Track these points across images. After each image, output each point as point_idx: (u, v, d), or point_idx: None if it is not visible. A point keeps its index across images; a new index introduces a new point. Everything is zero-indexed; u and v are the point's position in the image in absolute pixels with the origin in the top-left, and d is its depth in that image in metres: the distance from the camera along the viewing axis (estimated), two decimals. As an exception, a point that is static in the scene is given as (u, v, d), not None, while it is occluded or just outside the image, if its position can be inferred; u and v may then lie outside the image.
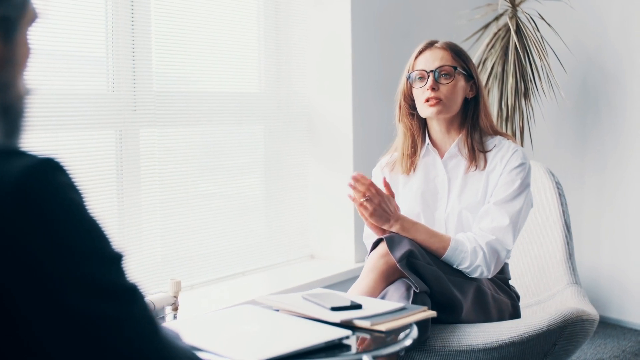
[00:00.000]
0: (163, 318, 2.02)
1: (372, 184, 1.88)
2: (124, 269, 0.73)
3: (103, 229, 0.72)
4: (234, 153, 2.88)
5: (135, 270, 2.45)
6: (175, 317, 2.03)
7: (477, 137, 2.07)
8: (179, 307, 2.04)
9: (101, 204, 2.35)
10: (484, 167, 2.04)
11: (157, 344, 0.74)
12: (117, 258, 0.73)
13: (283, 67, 3.03)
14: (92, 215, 0.72)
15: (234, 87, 2.89)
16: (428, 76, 2.04)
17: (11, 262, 0.66)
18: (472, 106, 2.09)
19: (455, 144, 2.08)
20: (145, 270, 2.49)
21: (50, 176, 0.70)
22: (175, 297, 2.03)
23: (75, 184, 0.72)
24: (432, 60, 2.05)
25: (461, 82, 2.05)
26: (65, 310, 0.68)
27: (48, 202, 0.69)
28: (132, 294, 0.73)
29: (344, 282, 2.87)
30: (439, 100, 2.02)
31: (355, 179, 1.88)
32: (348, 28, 3.00)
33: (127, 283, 0.73)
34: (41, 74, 2.18)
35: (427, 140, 2.11)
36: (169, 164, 2.59)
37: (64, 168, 0.71)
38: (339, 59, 3.04)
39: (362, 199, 1.88)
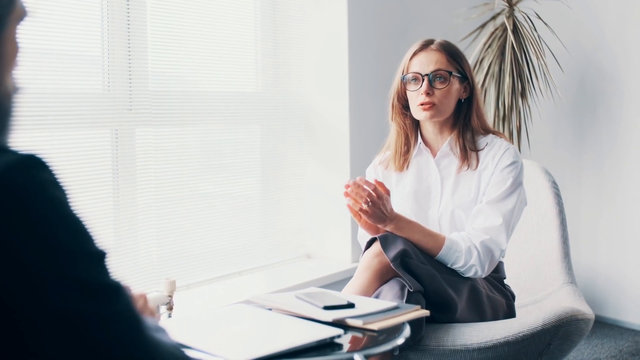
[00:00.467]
0: (158, 317, 2.01)
1: (375, 189, 1.87)
2: (107, 266, 0.73)
3: (86, 226, 0.72)
4: (231, 153, 2.88)
5: (130, 270, 2.45)
6: (170, 317, 2.03)
7: (468, 137, 2.06)
8: (173, 307, 2.04)
9: (97, 203, 2.35)
10: (476, 166, 2.04)
11: (142, 340, 0.74)
12: (100, 256, 0.73)
13: (280, 66, 3.03)
14: (75, 212, 0.71)
15: (231, 87, 2.89)
16: (423, 80, 2.02)
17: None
18: (466, 106, 2.08)
19: (447, 143, 2.08)
20: (141, 270, 2.49)
21: (32, 173, 0.69)
22: (170, 296, 2.03)
23: (58, 181, 0.71)
24: (427, 63, 2.04)
25: (456, 85, 2.05)
26: (50, 307, 0.68)
27: (31, 198, 0.68)
28: (116, 291, 0.73)
29: (340, 282, 2.86)
30: (433, 105, 2.01)
31: (357, 185, 1.86)
32: (345, 27, 3.00)
33: (110, 280, 0.73)
34: (37, 72, 2.18)
35: (420, 139, 2.11)
36: (164, 164, 2.59)
37: (47, 165, 0.71)
38: (336, 58, 3.04)
39: (364, 205, 1.86)
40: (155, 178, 2.55)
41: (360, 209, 1.87)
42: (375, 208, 1.86)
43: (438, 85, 2.02)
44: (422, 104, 2.02)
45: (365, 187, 1.86)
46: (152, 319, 0.97)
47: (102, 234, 2.37)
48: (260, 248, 2.99)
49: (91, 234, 0.72)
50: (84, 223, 0.72)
